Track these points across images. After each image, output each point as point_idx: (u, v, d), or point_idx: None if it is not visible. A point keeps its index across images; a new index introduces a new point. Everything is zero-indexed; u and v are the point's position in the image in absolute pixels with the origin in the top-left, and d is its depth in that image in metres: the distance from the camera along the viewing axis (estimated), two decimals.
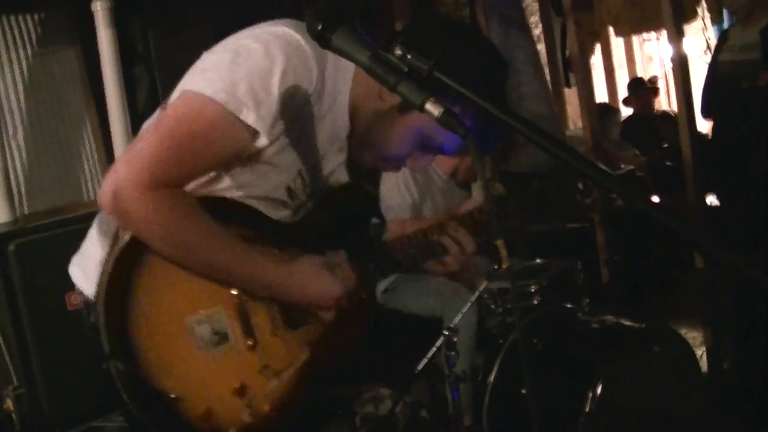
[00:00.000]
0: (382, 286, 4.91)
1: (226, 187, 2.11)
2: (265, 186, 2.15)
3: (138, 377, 1.97)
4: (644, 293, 6.11)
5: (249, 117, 1.95)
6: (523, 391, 3.79)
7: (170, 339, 2.03)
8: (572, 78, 7.91)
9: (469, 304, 3.80)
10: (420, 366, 3.71)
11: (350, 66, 2.10)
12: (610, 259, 6.09)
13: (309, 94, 2.04)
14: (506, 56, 6.15)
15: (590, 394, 3.59)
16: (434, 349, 3.68)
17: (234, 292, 2.11)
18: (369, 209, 2.45)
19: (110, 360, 1.95)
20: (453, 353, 3.64)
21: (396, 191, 4.94)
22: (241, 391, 2.11)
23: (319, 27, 1.70)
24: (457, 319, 3.70)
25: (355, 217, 2.37)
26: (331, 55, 2.02)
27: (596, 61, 9.58)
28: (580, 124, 7.16)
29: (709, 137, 6.39)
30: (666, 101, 11.08)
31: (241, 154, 2.04)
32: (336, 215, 2.31)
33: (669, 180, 7.19)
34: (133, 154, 1.94)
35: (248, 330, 2.14)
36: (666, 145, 8.15)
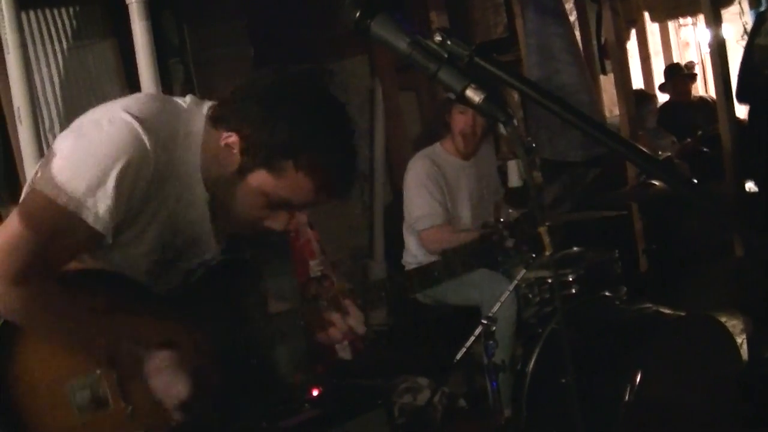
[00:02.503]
0: None
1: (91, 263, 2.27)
2: (128, 261, 2.28)
3: None
4: (683, 281, 6.05)
5: (89, 218, 2.09)
6: (563, 381, 3.77)
7: (51, 401, 2.19)
8: (608, 65, 7.84)
9: (507, 292, 3.78)
10: (458, 356, 3.69)
11: (197, 142, 2.24)
12: (649, 248, 6.04)
13: (150, 184, 2.16)
14: (544, 45, 6.08)
15: (629, 384, 3.56)
16: (473, 338, 3.67)
17: (109, 359, 2.26)
18: (248, 280, 2.54)
19: None
20: (492, 342, 3.62)
21: (419, 200, 4.91)
22: None
23: (357, 15, 1.68)
24: (495, 308, 3.68)
25: (231, 287, 2.47)
26: (181, 135, 2.21)
27: (632, 47, 9.48)
28: (616, 112, 7.10)
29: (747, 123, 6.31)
30: (703, 87, 10.97)
31: (91, 246, 2.19)
32: (212, 287, 2.42)
33: (707, 167, 7.12)
34: None
35: (126, 396, 2.27)
36: (700, 132, 8.07)
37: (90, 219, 2.08)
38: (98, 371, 2.24)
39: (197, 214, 2.30)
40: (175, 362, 2.27)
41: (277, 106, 2.15)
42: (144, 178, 2.13)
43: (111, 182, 2.07)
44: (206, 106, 2.30)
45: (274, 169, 2.16)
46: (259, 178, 2.18)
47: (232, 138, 2.17)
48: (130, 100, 2.23)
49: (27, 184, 2.34)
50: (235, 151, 2.18)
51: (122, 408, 2.26)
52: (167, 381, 2.26)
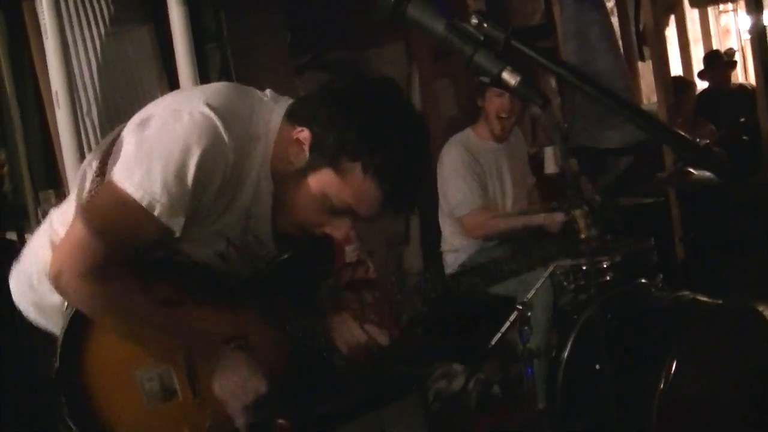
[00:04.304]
0: (458, 261, 4.90)
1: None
2: (194, 253, 2.28)
3: None
4: (721, 271, 5.99)
5: (163, 215, 2.08)
6: (598, 368, 3.75)
7: (121, 385, 2.25)
8: (646, 52, 7.77)
9: (542, 279, 3.77)
10: (493, 341, 3.69)
11: (272, 139, 2.21)
12: (686, 236, 5.98)
13: (225, 179, 2.14)
14: (581, 31, 6.02)
15: (664, 372, 3.54)
16: (508, 323, 3.66)
17: (181, 352, 2.29)
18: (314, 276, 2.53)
19: (66, 417, 2.18)
20: (527, 329, 3.61)
21: (454, 187, 4.91)
22: None
23: None
24: (530, 294, 3.67)
25: (300, 283, 2.46)
26: (260, 133, 2.19)
27: (671, 34, 9.39)
28: (654, 99, 7.04)
29: None
30: (743, 74, 10.85)
31: (160, 241, 2.17)
32: (282, 281, 2.42)
33: (746, 155, 7.05)
34: (69, 242, 2.15)
35: (195, 388, 2.30)
36: (743, 120, 7.97)
37: (164, 217, 2.08)
38: (167, 364, 2.28)
39: (262, 211, 2.28)
40: (247, 364, 2.27)
41: (352, 107, 2.12)
42: (220, 176, 2.12)
43: (188, 180, 2.07)
44: (285, 102, 2.27)
45: (339, 169, 2.13)
46: (324, 177, 2.14)
47: (304, 133, 2.15)
48: (213, 93, 2.20)
49: (91, 170, 2.34)
50: (305, 146, 2.15)
51: (190, 400, 2.30)
52: (235, 384, 2.27)
